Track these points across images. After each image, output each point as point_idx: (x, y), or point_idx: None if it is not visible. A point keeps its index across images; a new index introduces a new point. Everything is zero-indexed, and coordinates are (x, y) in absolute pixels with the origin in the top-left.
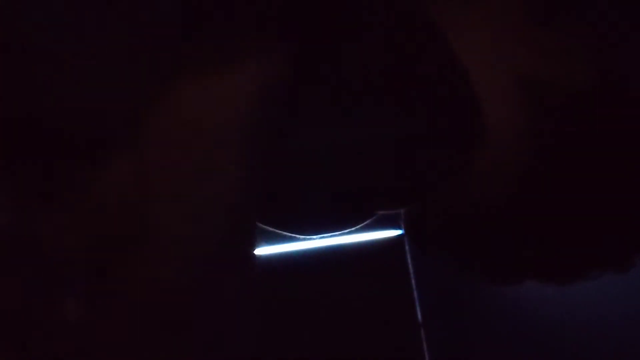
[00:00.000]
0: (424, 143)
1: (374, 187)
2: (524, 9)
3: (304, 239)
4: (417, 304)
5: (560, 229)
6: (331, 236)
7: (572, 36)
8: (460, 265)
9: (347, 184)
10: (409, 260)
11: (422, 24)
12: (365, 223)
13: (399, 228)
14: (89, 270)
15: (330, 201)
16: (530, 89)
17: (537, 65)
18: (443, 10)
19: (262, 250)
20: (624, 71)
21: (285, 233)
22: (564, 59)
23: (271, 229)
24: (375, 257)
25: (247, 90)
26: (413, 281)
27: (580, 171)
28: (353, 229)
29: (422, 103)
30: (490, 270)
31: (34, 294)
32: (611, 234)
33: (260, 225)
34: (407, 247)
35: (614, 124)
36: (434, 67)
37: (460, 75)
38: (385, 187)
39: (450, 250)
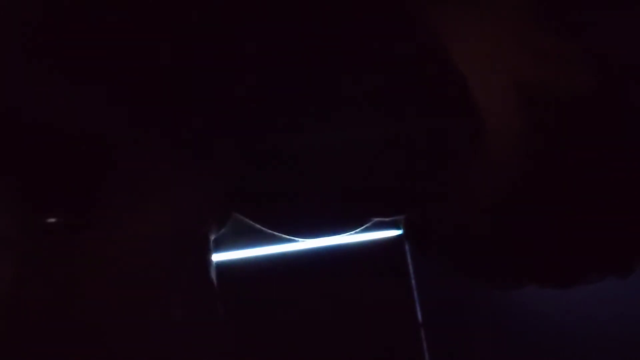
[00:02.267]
0: (421, 148)
1: (371, 192)
2: (524, 14)
3: (302, 240)
4: (417, 304)
5: (559, 232)
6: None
7: (572, 41)
8: (459, 269)
9: (344, 189)
10: (409, 260)
11: (422, 29)
12: (362, 227)
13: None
14: None
15: (328, 205)
16: (529, 93)
17: (536, 69)
18: (443, 15)
19: (261, 251)
20: (622, 77)
21: (283, 235)
22: (563, 64)
23: (269, 230)
24: (375, 257)
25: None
26: (413, 281)
27: (579, 175)
28: (350, 233)
29: (420, 108)
30: (489, 274)
31: None
32: (610, 238)
33: (258, 226)
34: (407, 247)
35: (613, 129)
36: (433, 72)
37: (459, 81)
38: (383, 193)
39: (449, 254)
